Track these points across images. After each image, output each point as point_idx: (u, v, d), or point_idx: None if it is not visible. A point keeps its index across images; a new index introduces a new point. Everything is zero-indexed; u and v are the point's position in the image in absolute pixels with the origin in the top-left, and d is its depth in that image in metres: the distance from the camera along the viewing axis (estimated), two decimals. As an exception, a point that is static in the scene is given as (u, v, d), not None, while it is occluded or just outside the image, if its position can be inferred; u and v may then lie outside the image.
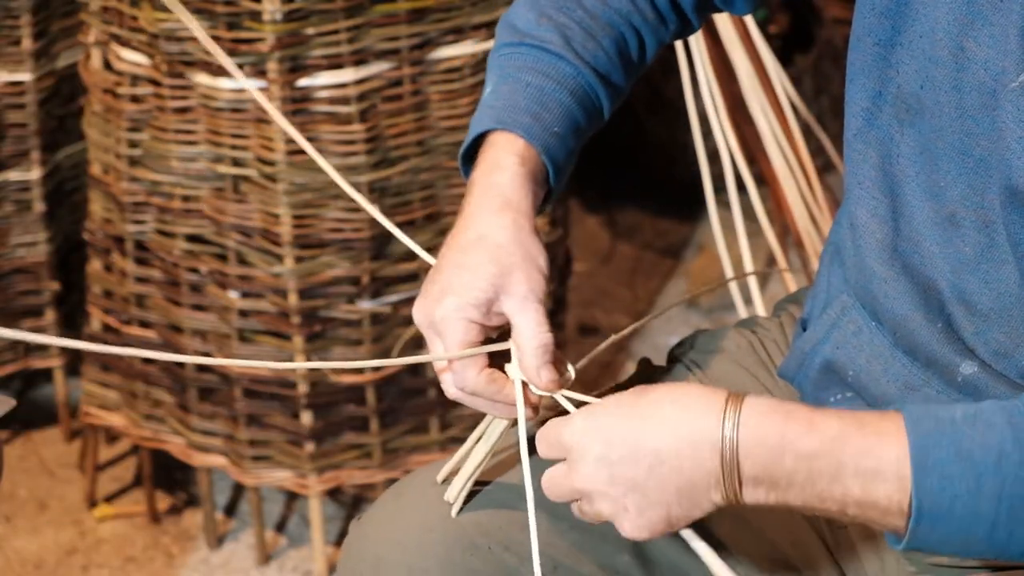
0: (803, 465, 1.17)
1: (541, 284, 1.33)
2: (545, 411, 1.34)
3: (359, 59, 2.23)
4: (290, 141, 2.24)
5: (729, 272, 2.73)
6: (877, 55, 1.33)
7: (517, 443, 1.32)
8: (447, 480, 1.38)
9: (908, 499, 1.15)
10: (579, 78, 1.42)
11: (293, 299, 2.30)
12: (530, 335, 1.31)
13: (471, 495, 1.38)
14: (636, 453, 1.20)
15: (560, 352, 1.33)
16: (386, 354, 2.34)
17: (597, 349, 1.40)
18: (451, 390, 1.34)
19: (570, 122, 1.41)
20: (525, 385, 1.32)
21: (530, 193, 1.37)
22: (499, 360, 1.34)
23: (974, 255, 1.29)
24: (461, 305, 1.32)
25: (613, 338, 1.42)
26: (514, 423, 1.33)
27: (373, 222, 2.26)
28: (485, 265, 1.32)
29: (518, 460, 1.34)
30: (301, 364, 2.35)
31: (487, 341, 1.33)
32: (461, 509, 1.36)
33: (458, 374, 1.33)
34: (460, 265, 1.33)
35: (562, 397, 1.32)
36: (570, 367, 1.34)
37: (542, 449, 1.27)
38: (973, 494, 1.14)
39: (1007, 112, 1.22)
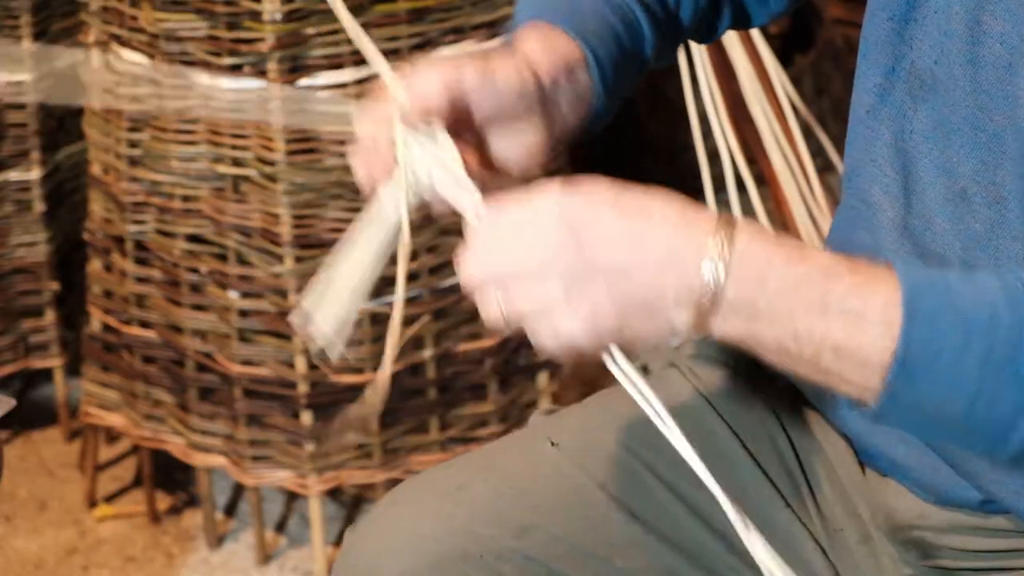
0: (787, 294, 1.09)
1: (473, 86, 1.23)
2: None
3: (359, 59, 2.23)
4: (290, 141, 2.24)
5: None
6: (891, 30, 1.33)
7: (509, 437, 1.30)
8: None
9: (893, 347, 1.08)
10: None
11: (293, 299, 2.30)
12: (432, 76, 1.22)
13: None
14: (620, 263, 1.13)
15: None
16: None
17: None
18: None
19: (607, 27, 1.34)
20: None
21: (546, 52, 1.28)
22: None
23: (984, 231, 1.28)
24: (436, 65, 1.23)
25: None
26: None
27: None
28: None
29: (516, 460, 1.33)
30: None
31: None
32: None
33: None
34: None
35: (435, 130, 1.22)
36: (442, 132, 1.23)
37: (497, 222, 1.15)
38: (960, 350, 1.08)
39: (1023, 80, 1.22)
